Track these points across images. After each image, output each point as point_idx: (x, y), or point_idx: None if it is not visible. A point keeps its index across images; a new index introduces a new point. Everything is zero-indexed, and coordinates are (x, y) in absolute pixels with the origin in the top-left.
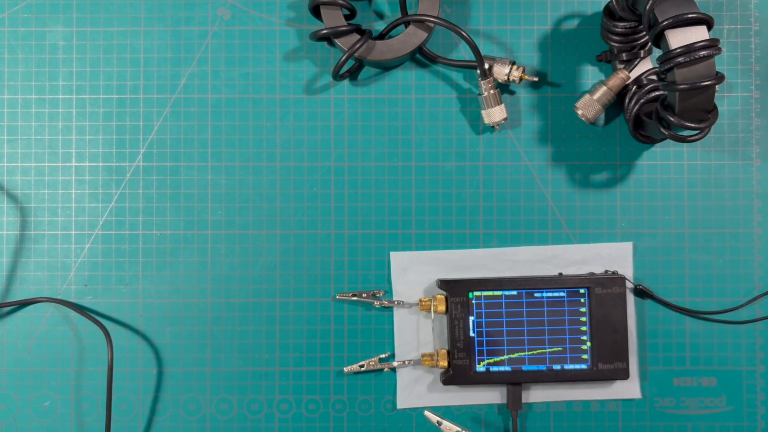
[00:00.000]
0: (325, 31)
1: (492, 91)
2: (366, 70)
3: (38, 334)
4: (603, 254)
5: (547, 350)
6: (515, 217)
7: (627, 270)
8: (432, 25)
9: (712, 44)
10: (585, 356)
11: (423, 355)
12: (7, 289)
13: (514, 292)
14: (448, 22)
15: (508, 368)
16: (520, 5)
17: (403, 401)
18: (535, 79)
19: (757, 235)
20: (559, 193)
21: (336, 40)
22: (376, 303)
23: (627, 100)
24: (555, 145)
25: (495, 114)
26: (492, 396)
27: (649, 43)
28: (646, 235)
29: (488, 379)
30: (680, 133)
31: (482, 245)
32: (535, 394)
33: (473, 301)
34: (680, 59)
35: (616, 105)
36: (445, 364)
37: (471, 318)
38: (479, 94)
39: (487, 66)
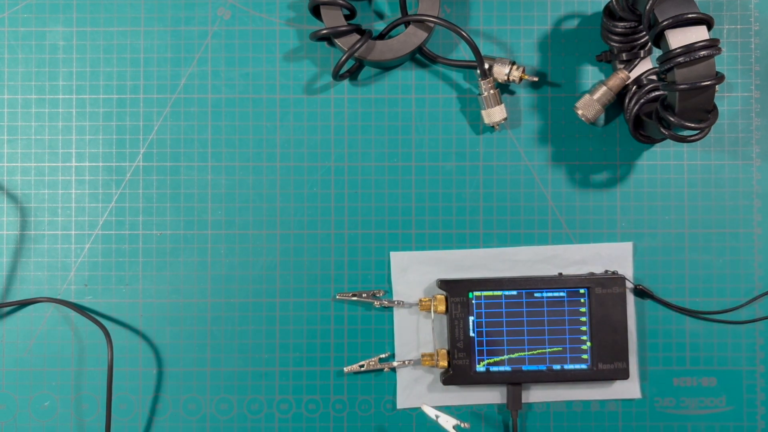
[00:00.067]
0: (325, 31)
1: (492, 91)
2: (366, 70)
3: (38, 334)
4: (603, 254)
5: (547, 350)
6: (515, 217)
7: (627, 270)
8: (432, 25)
9: (712, 44)
10: (585, 356)
11: (423, 355)
12: (7, 289)
13: (514, 292)
14: (448, 22)
15: (508, 368)
16: (520, 5)
17: (403, 401)
18: (535, 79)
19: (757, 235)
20: (559, 193)
21: (336, 40)
22: (376, 303)
23: (627, 100)
24: (555, 145)
25: (495, 114)
26: (492, 396)
27: (649, 43)
28: (646, 235)
29: (488, 379)
30: (680, 133)
31: (482, 245)
32: (535, 394)
33: (473, 301)
34: (680, 59)
35: (616, 105)
36: (445, 364)
37: (471, 318)
38: (479, 94)
39: (487, 66)
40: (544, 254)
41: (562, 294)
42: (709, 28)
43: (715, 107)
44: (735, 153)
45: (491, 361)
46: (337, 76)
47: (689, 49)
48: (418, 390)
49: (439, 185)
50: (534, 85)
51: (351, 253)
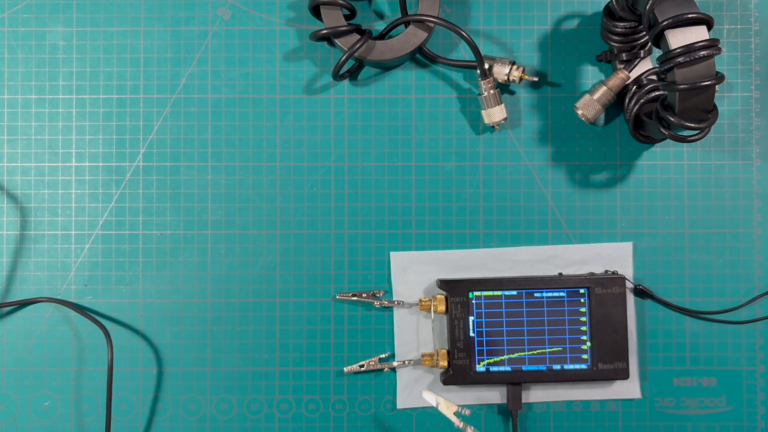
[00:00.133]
0: (325, 31)
1: (492, 91)
2: (366, 70)
3: (38, 334)
4: (603, 254)
5: (547, 350)
6: (515, 217)
7: (627, 270)
8: (432, 25)
9: (712, 44)
10: (585, 356)
11: (423, 355)
12: (7, 289)
13: (514, 292)
14: (448, 22)
15: (508, 368)
16: (520, 5)
17: (403, 401)
18: (535, 79)
19: (757, 235)
20: (559, 193)
21: (336, 40)
22: (376, 303)
23: (627, 100)
24: (555, 145)
25: (495, 114)
26: (492, 396)
27: (649, 43)
28: (646, 235)
29: (488, 379)
30: (680, 133)
31: (482, 245)
32: (535, 394)
33: (473, 301)
34: (680, 59)
35: (616, 105)
36: (445, 364)
37: (471, 318)
38: (479, 94)
39: (487, 66)
40: (544, 254)
41: (562, 294)
42: (709, 28)
43: (715, 107)
44: (735, 153)
45: (491, 361)
46: (337, 76)
47: (689, 49)
48: (418, 390)
49: (439, 185)
50: (534, 85)
51: (351, 253)
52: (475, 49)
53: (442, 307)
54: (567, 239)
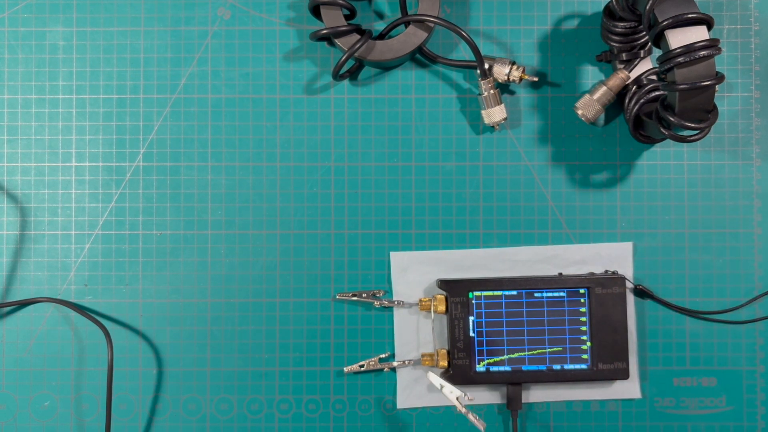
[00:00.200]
0: (325, 31)
1: (492, 91)
2: (366, 70)
3: (38, 334)
4: (603, 254)
5: (547, 350)
6: (515, 217)
7: (627, 270)
8: (432, 25)
9: (712, 44)
10: (585, 356)
11: (423, 355)
12: (7, 289)
13: (514, 292)
14: (448, 22)
15: (508, 368)
16: (520, 5)
17: (403, 401)
18: (535, 79)
19: (757, 235)
20: (559, 193)
21: (336, 40)
22: (376, 303)
23: (627, 100)
24: (555, 145)
25: (495, 114)
26: (492, 396)
27: (649, 43)
28: (646, 235)
29: (488, 379)
30: (680, 133)
31: (482, 245)
32: (535, 394)
33: (473, 301)
34: (680, 59)
35: (616, 105)
36: (445, 364)
37: (471, 318)
38: (479, 94)
39: (487, 66)
40: (544, 254)
41: (562, 294)
42: (709, 28)
43: (715, 107)
44: (735, 153)
45: (491, 361)
46: (337, 76)
47: (689, 49)
48: (418, 390)
49: (439, 185)
50: (534, 85)
51: (351, 253)
52: (475, 49)
53: (442, 307)
54: (567, 239)
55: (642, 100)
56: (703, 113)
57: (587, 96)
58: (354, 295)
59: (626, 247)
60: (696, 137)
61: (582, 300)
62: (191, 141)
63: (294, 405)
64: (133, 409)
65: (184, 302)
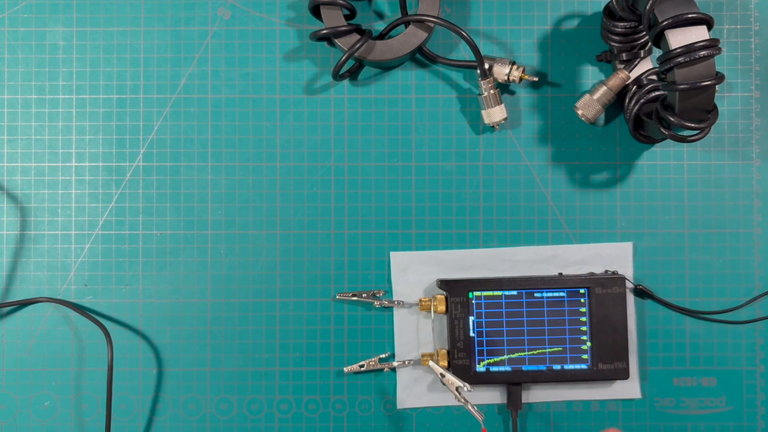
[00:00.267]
0: (325, 31)
1: (492, 91)
2: (366, 70)
3: (38, 334)
4: (603, 254)
5: (547, 350)
6: (515, 217)
7: (627, 270)
8: (432, 25)
9: (712, 44)
10: (585, 356)
11: (423, 355)
12: (7, 289)
13: (514, 292)
14: (448, 22)
15: (508, 368)
16: (520, 5)
17: (403, 401)
18: (535, 79)
19: (757, 235)
20: (559, 193)
21: (336, 40)
22: (376, 303)
23: (627, 100)
24: (555, 145)
25: (495, 114)
26: (492, 396)
27: (649, 43)
28: (646, 235)
29: (488, 379)
30: (680, 133)
31: (482, 245)
32: (535, 394)
33: (473, 301)
34: (680, 59)
35: (616, 105)
36: (445, 364)
37: (471, 318)
38: (479, 94)
39: (487, 66)
40: (544, 254)
41: (562, 294)
42: (709, 28)
43: (715, 107)
44: (735, 153)
45: (491, 361)
46: (337, 76)
47: (689, 49)
48: (418, 390)
49: (439, 185)
50: (534, 85)
51: (351, 253)
52: (475, 49)
53: (442, 307)
54: (567, 239)
55: (642, 100)
56: (703, 113)
57: (587, 96)
58: (354, 295)
59: (626, 247)
60: (696, 137)
61: (582, 300)
62: (191, 141)
63: (294, 405)
64: (133, 409)
65: (184, 302)
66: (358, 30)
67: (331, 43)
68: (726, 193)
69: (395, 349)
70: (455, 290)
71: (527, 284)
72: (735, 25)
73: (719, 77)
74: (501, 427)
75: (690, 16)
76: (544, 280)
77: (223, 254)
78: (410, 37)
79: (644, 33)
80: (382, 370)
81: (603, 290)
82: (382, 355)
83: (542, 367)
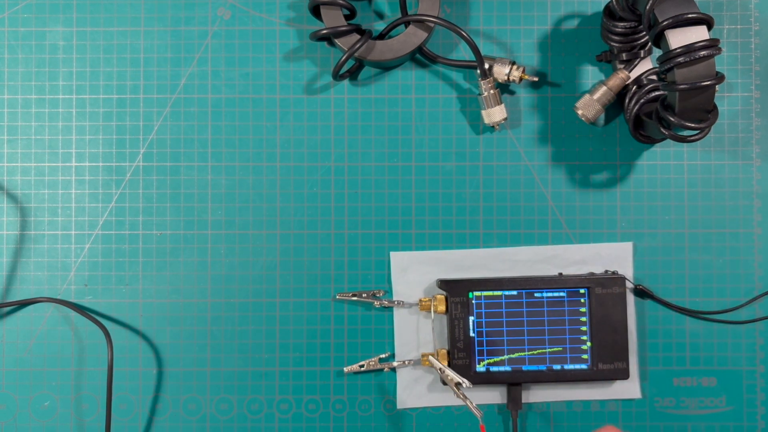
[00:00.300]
0: (325, 31)
1: (492, 91)
2: (366, 70)
3: (38, 334)
4: (603, 254)
5: (547, 350)
6: (515, 217)
7: (627, 270)
8: (432, 25)
9: (712, 44)
10: (585, 356)
11: (423, 355)
12: (7, 289)
13: (514, 292)
14: (448, 22)
15: (508, 368)
16: (520, 5)
17: (403, 401)
18: (535, 79)
19: (757, 235)
20: (559, 193)
21: (336, 40)
22: (376, 303)
23: (627, 100)
24: (555, 145)
25: (495, 114)
26: (492, 396)
27: (649, 43)
28: (646, 235)
29: (488, 379)
30: (680, 133)
31: (482, 245)
32: (535, 394)
33: (473, 301)
34: (680, 59)
35: (616, 105)
36: (445, 363)
37: (471, 318)
38: (479, 94)
39: (487, 66)
40: (544, 254)
41: (562, 294)
42: (709, 28)
43: (715, 107)
44: (735, 153)
45: (491, 361)
46: (337, 76)
47: (689, 49)
48: (418, 390)
49: (439, 185)
50: (534, 85)
51: (351, 253)
52: (475, 49)
53: (442, 307)
54: (567, 239)
55: (642, 100)
56: (703, 113)
57: (587, 96)
58: (354, 295)
59: (626, 247)
60: (696, 137)
61: (582, 300)
62: (191, 141)
63: (294, 405)
64: (133, 409)
65: (184, 302)
66: (358, 30)
67: (331, 43)
68: (726, 193)
69: (395, 349)
70: (455, 290)
71: (527, 284)
72: (735, 25)
73: (719, 77)
74: (501, 427)
75: (690, 16)
76: (544, 280)
77: (223, 254)
78: (410, 37)
79: (644, 33)
80: (382, 370)
81: (603, 290)
82: (382, 355)
83: (542, 367)
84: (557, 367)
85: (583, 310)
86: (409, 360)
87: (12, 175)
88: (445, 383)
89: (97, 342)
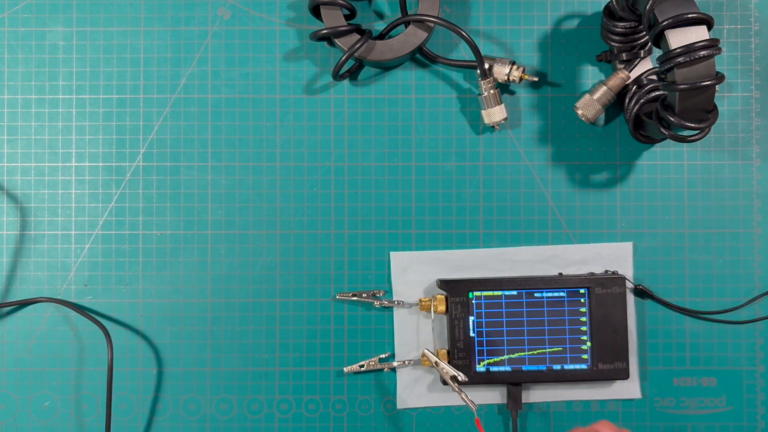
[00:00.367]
0: (325, 31)
1: (492, 91)
2: (366, 70)
3: (38, 334)
4: (603, 254)
5: (547, 350)
6: (515, 217)
7: (627, 270)
8: (432, 25)
9: (712, 44)
10: (585, 356)
11: (423, 355)
12: (7, 289)
13: (514, 292)
14: (448, 22)
15: (508, 368)
16: (520, 5)
17: (403, 401)
18: (535, 79)
19: (757, 235)
20: (559, 193)
21: (336, 40)
22: (376, 303)
23: (627, 100)
24: (555, 145)
25: (495, 114)
26: (492, 396)
27: (649, 43)
28: (646, 235)
29: (488, 379)
30: (680, 133)
31: (482, 245)
32: (535, 394)
33: (473, 301)
34: (680, 59)
35: (616, 105)
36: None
37: (471, 318)
38: (479, 94)
39: (487, 66)
40: (544, 254)
41: (562, 294)
42: (709, 28)
43: (715, 107)
44: (735, 153)
45: (491, 361)
46: (337, 76)
47: (689, 49)
48: (418, 390)
49: (439, 185)
50: (534, 85)
51: (351, 253)
52: (475, 49)
53: (442, 307)
54: (567, 239)
55: (642, 100)
56: (703, 113)
57: (587, 96)
58: (354, 295)
59: (626, 247)
60: (696, 137)
61: (582, 300)
62: (191, 141)
63: (294, 405)
64: (133, 409)
65: (184, 302)
66: (358, 30)
67: (331, 43)
68: (726, 193)
69: (395, 349)
70: (455, 290)
71: (527, 284)
72: (735, 25)
73: (719, 77)
74: (501, 427)
75: (690, 16)
76: (544, 280)
77: (223, 254)
78: (410, 37)
79: (644, 33)
80: (382, 370)
81: (603, 290)
82: (382, 355)
83: (542, 367)
84: (557, 367)
85: (583, 310)
86: (409, 360)
87: (12, 175)
88: (444, 383)
89: (97, 342)
